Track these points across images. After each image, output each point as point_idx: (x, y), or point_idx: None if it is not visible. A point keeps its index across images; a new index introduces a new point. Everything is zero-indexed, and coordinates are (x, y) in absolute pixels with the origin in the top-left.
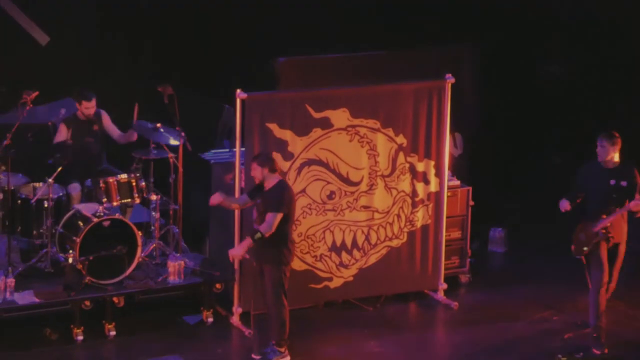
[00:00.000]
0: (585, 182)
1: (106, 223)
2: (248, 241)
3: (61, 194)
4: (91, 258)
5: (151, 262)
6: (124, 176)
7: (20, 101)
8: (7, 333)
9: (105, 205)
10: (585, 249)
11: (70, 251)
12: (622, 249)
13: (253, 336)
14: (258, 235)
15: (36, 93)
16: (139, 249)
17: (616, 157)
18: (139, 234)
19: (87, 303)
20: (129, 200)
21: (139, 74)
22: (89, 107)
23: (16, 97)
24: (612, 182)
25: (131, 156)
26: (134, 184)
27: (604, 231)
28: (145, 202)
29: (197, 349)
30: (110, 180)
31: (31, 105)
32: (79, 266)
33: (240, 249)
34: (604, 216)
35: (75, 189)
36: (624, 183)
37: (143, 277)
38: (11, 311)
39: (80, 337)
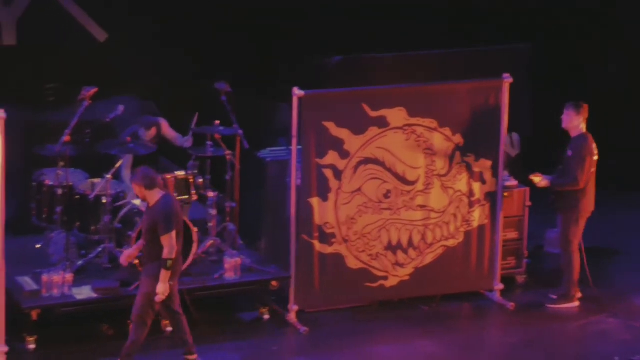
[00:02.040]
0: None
1: None
2: (164, 273)
3: (119, 190)
4: None
5: (207, 258)
6: (181, 173)
7: (79, 98)
8: (65, 328)
9: None
10: None
11: (127, 247)
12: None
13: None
14: (168, 262)
15: (95, 90)
16: (195, 246)
17: (581, 127)
18: (195, 230)
19: None
20: (186, 197)
21: (196, 72)
22: (147, 136)
23: (75, 94)
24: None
25: (188, 153)
26: (191, 181)
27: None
28: (202, 199)
29: (252, 346)
30: (168, 177)
31: (90, 102)
32: (135, 262)
33: (162, 285)
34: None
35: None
36: (569, 152)
37: (200, 273)
38: (69, 306)
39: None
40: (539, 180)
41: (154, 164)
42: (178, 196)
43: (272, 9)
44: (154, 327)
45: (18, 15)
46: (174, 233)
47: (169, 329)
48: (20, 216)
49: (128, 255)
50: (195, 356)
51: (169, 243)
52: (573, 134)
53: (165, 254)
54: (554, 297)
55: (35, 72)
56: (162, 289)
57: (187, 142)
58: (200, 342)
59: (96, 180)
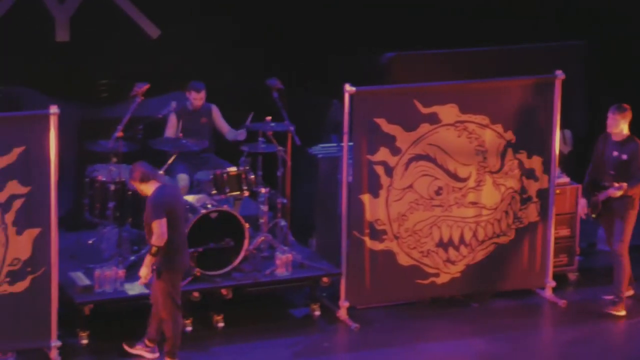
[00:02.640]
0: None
1: (214, 215)
2: (148, 258)
3: None
4: (200, 250)
5: (259, 255)
6: (233, 169)
7: (132, 94)
8: (117, 324)
9: (214, 197)
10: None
11: None
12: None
13: (359, 330)
14: (153, 248)
15: (147, 86)
16: (247, 242)
17: (625, 129)
18: (247, 226)
19: (196, 294)
20: (238, 192)
21: (249, 68)
22: (197, 99)
23: (127, 90)
24: (615, 153)
25: (240, 149)
26: (243, 177)
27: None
28: (254, 195)
29: (303, 342)
30: (220, 172)
31: (142, 98)
32: None
33: (143, 269)
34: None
35: (183, 179)
36: (624, 156)
37: (251, 269)
38: (121, 302)
39: (189, 328)
40: (620, 192)
41: (206, 157)
42: (230, 192)
43: (325, 3)
44: (207, 322)
45: (71, 12)
46: (162, 221)
47: (189, 328)
48: (74, 212)
49: (143, 274)
50: (152, 345)
51: (157, 230)
52: (619, 137)
53: (153, 240)
54: (609, 298)
55: (88, 69)
56: (143, 272)
57: (240, 135)
58: (251, 338)
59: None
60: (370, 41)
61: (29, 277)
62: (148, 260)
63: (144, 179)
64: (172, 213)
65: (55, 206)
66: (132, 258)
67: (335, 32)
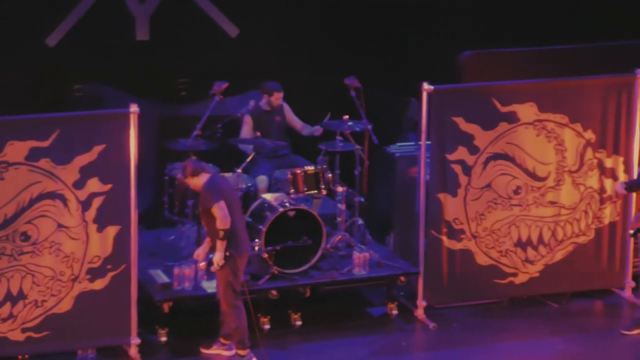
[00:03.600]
0: None
1: (292, 213)
2: (219, 243)
3: (249, 184)
4: (278, 248)
5: (336, 253)
6: (311, 168)
7: (211, 92)
8: (196, 321)
9: (292, 195)
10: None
11: (257, 240)
12: None
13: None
14: (221, 232)
15: (226, 84)
16: (324, 240)
17: None
18: (324, 225)
19: (274, 292)
20: (316, 191)
21: (327, 67)
22: (279, 98)
23: (206, 89)
24: None
25: (318, 148)
26: (320, 175)
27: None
28: (331, 193)
29: (381, 341)
30: (298, 171)
31: (221, 97)
32: (265, 255)
33: (217, 254)
34: None
35: (262, 181)
36: None
37: (329, 268)
38: (199, 299)
39: (267, 326)
40: None
41: (283, 156)
42: (307, 191)
43: (404, 2)
44: (285, 320)
45: (151, 11)
46: (221, 204)
47: (267, 326)
48: (153, 209)
49: (200, 252)
50: (228, 342)
51: (220, 213)
52: None
53: (218, 223)
54: None
55: (168, 67)
56: (216, 258)
57: (316, 130)
58: (329, 336)
59: (227, 175)
60: (449, 39)
61: (109, 275)
62: (220, 245)
63: (195, 173)
64: (226, 201)
65: (135, 204)
66: (211, 256)
67: (414, 30)
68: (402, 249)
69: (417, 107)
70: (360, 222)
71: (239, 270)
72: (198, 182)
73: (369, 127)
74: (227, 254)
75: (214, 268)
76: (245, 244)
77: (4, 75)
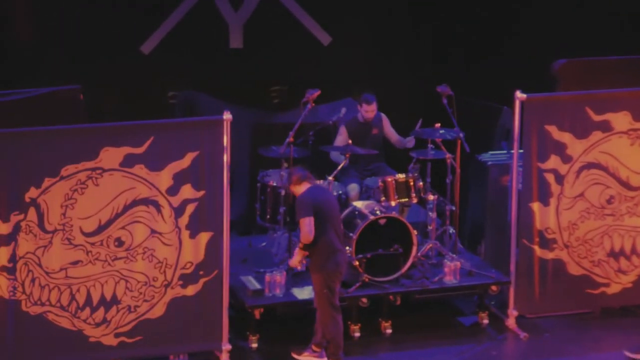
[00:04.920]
0: None
1: (383, 221)
2: (297, 250)
3: (341, 191)
4: (369, 256)
5: (427, 262)
6: (402, 176)
7: (303, 100)
8: (285, 328)
9: (382, 203)
10: None
11: (347, 248)
12: None
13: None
14: (300, 244)
15: (318, 92)
16: (415, 248)
17: None
18: (415, 233)
19: (364, 300)
20: (407, 199)
21: (419, 75)
22: (368, 111)
23: (298, 96)
24: None
25: (409, 156)
26: (411, 183)
27: None
28: (422, 202)
29: (471, 350)
30: (389, 179)
31: (313, 105)
32: (356, 263)
33: (294, 258)
34: None
35: (354, 189)
36: None
37: (419, 276)
38: (290, 306)
39: (357, 334)
40: None
41: (375, 165)
42: (398, 199)
43: (498, 10)
44: (375, 328)
45: (245, 19)
46: (306, 220)
47: (357, 334)
48: (245, 216)
49: (292, 263)
50: (319, 350)
51: (303, 228)
52: None
53: (300, 237)
54: None
55: (261, 75)
56: (293, 262)
57: (409, 142)
58: (419, 345)
59: (319, 182)
60: (543, 47)
61: (202, 281)
62: (298, 251)
63: (298, 182)
64: (320, 213)
65: (227, 210)
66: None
67: (507, 37)
68: (493, 257)
69: (509, 115)
70: (452, 230)
71: (335, 283)
72: (299, 190)
73: (461, 135)
74: (321, 264)
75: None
76: (336, 260)
77: (99, 82)
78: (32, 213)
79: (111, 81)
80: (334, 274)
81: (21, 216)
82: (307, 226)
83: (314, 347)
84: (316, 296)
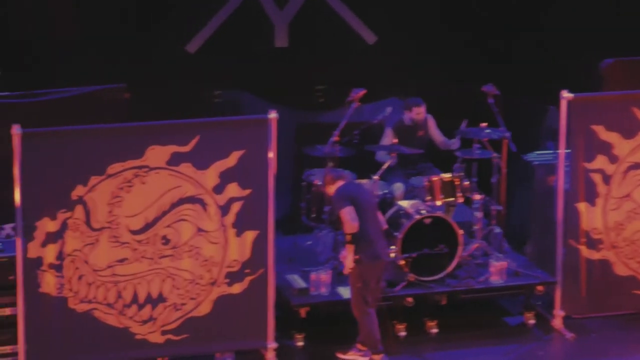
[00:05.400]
0: None
1: (428, 221)
2: (347, 247)
3: (386, 191)
4: (414, 256)
5: (473, 261)
6: (447, 175)
7: (348, 99)
8: (330, 327)
9: (428, 203)
10: None
11: (393, 247)
12: None
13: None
14: (347, 237)
15: (363, 92)
16: (460, 248)
17: None
18: (461, 232)
19: (410, 300)
20: (452, 199)
21: (465, 74)
22: (419, 113)
23: (344, 96)
24: None
25: (455, 156)
26: (457, 183)
27: None
28: (468, 201)
29: (517, 350)
30: (434, 179)
31: (359, 104)
32: (401, 262)
33: (345, 253)
34: None
35: (399, 188)
36: None
37: (465, 276)
38: (335, 305)
39: (403, 333)
40: None
41: (421, 169)
42: (444, 198)
43: (543, 9)
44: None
45: (290, 18)
46: (346, 209)
47: (403, 333)
48: (291, 215)
49: (343, 259)
50: (365, 349)
51: (345, 217)
52: None
53: (345, 228)
54: None
55: (306, 74)
56: (347, 261)
57: (454, 144)
58: (464, 344)
59: (363, 181)
60: (590, 46)
61: (247, 279)
62: (349, 248)
63: (333, 181)
64: (355, 206)
65: (273, 209)
66: None
67: (554, 37)
68: (539, 258)
69: (556, 115)
70: (498, 230)
71: (371, 277)
72: (334, 189)
73: (507, 134)
74: (357, 257)
75: (345, 271)
76: (379, 251)
77: (145, 81)
78: (79, 211)
79: (157, 80)
80: (370, 266)
81: (68, 214)
82: (348, 214)
83: (359, 346)
84: (351, 289)
